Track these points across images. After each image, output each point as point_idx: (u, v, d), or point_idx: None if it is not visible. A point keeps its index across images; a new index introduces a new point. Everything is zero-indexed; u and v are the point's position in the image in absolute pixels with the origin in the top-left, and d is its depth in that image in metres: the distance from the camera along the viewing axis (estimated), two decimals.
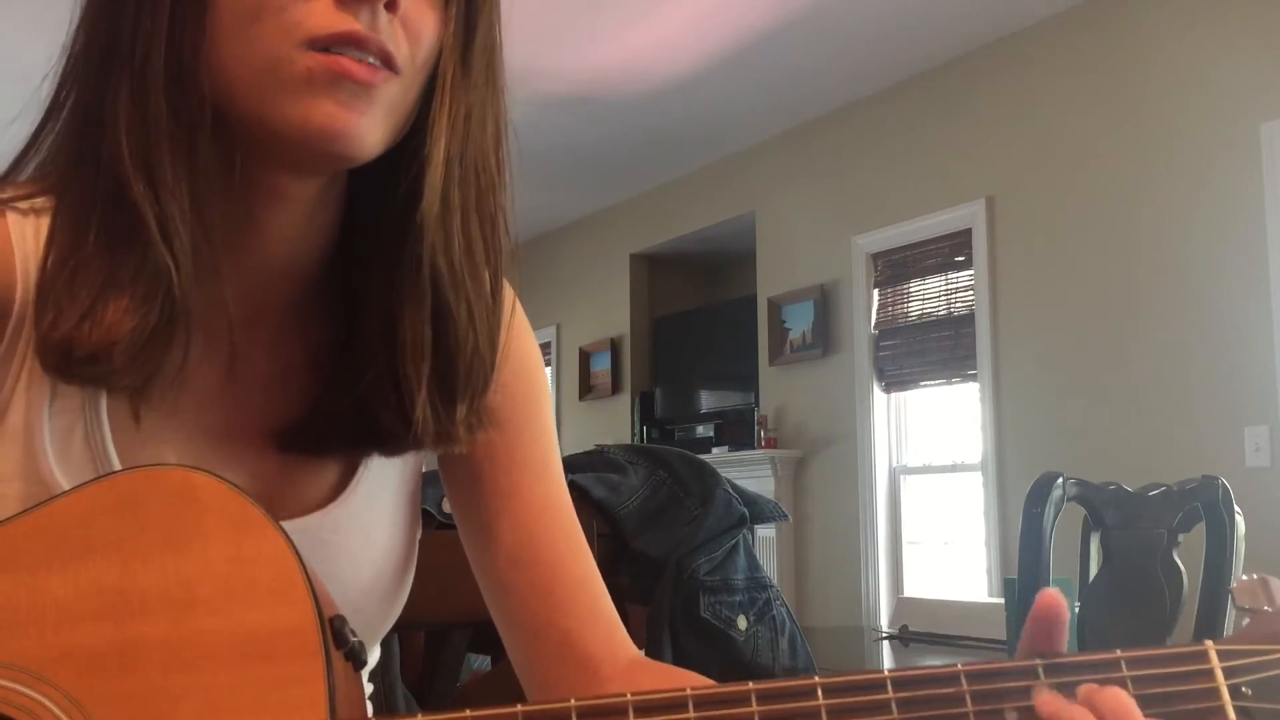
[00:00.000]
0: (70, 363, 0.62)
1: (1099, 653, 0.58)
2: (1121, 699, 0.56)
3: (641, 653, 0.81)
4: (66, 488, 0.63)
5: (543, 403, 0.83)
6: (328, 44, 0.61)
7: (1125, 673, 0.58)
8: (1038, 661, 0.58)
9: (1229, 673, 0.58)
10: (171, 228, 0.62)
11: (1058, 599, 0.59)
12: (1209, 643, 0.59)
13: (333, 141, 0.62)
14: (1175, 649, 0.59)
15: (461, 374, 0.70)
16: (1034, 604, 0.59)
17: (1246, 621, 0.61)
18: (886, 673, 0.58)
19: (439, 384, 0.70)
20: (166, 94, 0.62)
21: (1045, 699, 0.57)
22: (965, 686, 0.57)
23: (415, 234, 0.67)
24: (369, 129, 0.63)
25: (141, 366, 0.63)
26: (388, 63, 0.63)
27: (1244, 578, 0.61)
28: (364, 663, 0.61)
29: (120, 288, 0.62)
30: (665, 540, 1.47)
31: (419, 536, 0.81)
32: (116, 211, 0.62)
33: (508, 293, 0.75)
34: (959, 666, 0.58)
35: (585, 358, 7.48)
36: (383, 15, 0.62)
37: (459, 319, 0.69)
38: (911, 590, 5.15)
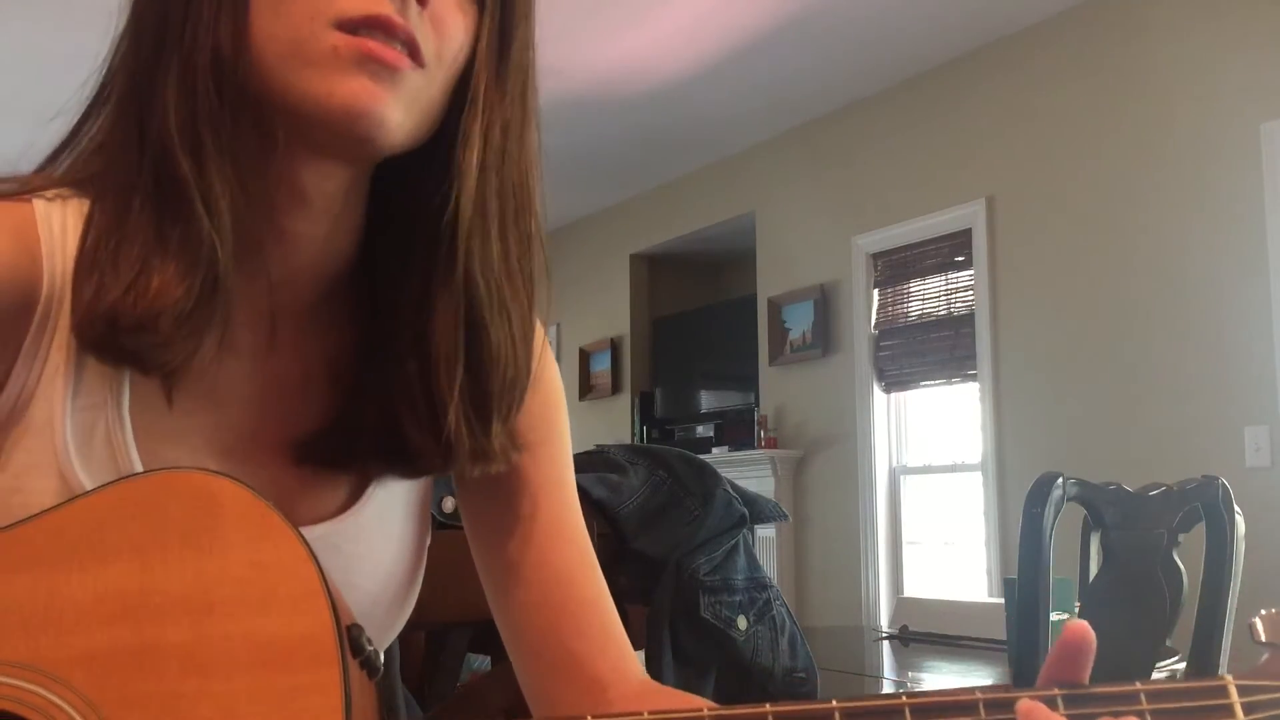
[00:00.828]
0: (116, 333, 0.62)
1: (1118, 684, 0.58)
2: None
3: (645, 674, 0.80)
4: (87, 484, 0.63)
5: (563, 424, 0.83)
6: (356, 26, 0.62)
7: (1144, 705, 0.57)
8: (1056, 691, 0.58)
9: (1248, 708, 0.58)
10: (215, 203, 0.63)
11: (1087, 631, 0.58)
12: (1228, 677, 0.59)
13: (356, 120, 0.62)
14: (1195, 683, 0.58)
15: (496, 387, 0.70)
16: (1062, 633, 0.59)
17: (1266, 656, 0.60)
18: (904, 698, 0.57)
19: (473, 398, 0.69)
20: (213, 74, 0.63)
21: (1025, 707, 0.57)
22: (984, 716, 0.57)
23: (449, 240, 0.67)
24: (391, 112, 0.63)
25: (185, 340, 0.63)
26: (413, 52, 0.63)
27: (1264, 612, 0.61)
28: (379, 670, 0.60)
29: (165, 256, 0.62)
30: (665, 540, 1.47)
31: (427, 545, 0.81)
32: (161, 186, 0.63)
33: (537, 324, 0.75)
34: (977, 693, 0.58)
35: (585, 358, 7.48)
36: (413, 7, 0.63)
37: (494, 329, 0.69)
38: (911, 590, 5.15)
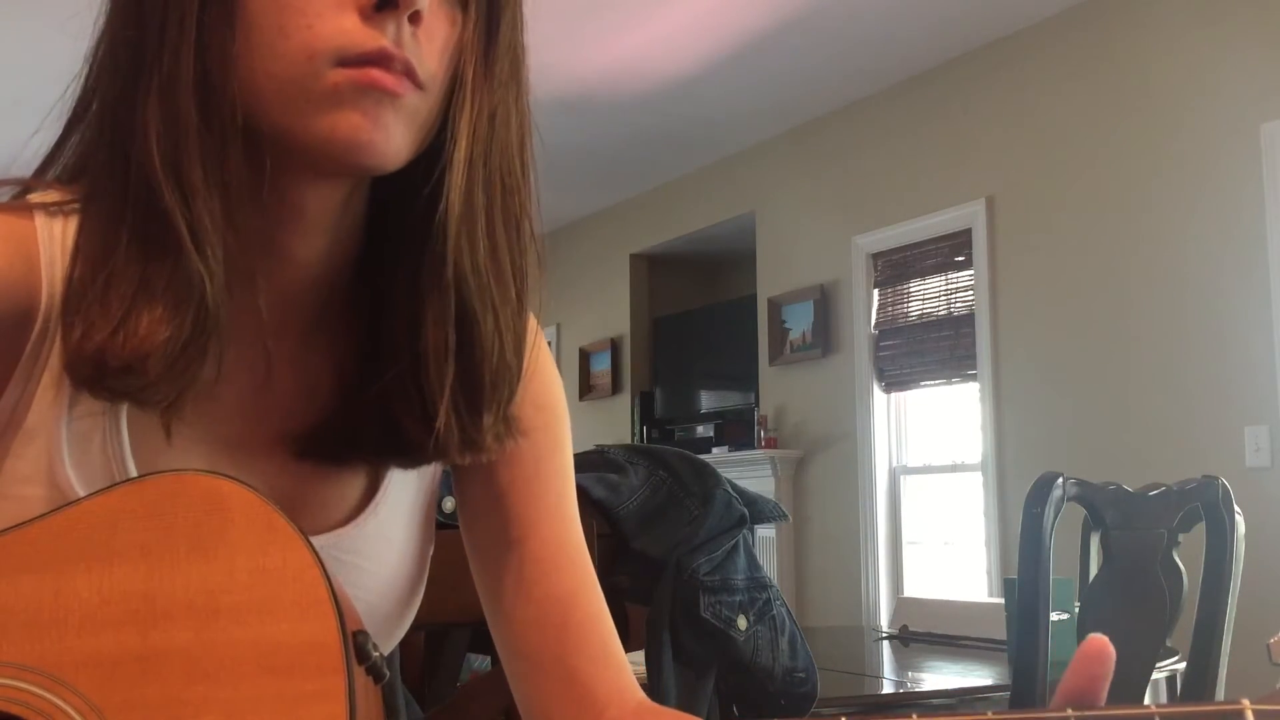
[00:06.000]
0: (104, 375, 0.61)
1: (1133, 706, 0.58)
2: None
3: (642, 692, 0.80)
4: (81, 494, 0.63)
5: (563, 437, 0.82)
6: (357, 62, 0.61)
7: None
8: (1070, 713, 0.57)
9: None
10: (204, 236, 0.61)
11: (1107, 645, 0.57)
12: (1246, 701, 0.58)
13: (358, 153, 0.62)
14: (1212, 706, 0.58)
15: (487, 379, 0.69)
16: (1082, 645, 0.58)
17: None
18: (915, 716, 0.57)
19: (464, 389, 0.69)
20: (197, 101, 0.61)
21: None
22: None
23: (438, 236, 0.66)
24: (393, 138, 0.63)
25: (176, 379, 0.62)
26: (411, 76, 0.63)
27: None
28: (384, 677, 0.60)
29: (153, 297, 0.61)
30: (665, 540, 1.47)
31: (430, 555, 0.81)
32: (148, 220, 0.61)
33: (531, 317, 0.74)
34: (989, 715, 0.57)
35: (585, 358, 7.48)
36: (406, 29, 0.62)
37: (484, 323, 0.68)
38: (911, 590, 5.15)
